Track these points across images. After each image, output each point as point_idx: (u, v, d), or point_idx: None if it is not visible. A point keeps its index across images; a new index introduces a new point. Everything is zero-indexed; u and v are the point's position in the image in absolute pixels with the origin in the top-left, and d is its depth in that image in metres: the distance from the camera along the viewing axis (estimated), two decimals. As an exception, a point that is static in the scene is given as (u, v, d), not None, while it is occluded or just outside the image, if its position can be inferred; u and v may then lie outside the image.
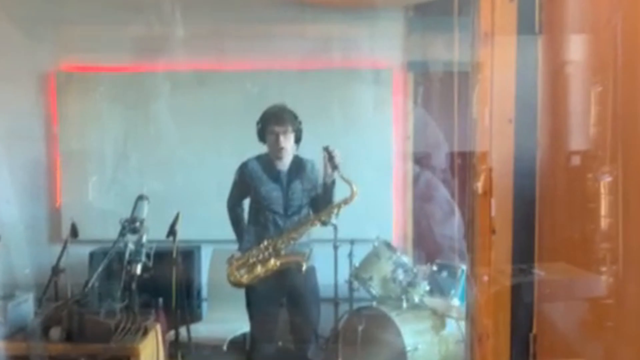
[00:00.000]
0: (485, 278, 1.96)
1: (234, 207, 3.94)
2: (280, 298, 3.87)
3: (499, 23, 1.87)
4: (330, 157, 3.66)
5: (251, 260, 3.74)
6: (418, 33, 4.94)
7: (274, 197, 3.78)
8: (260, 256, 3.72)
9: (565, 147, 1.87)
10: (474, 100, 2.30)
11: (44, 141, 5.16)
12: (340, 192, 3.76)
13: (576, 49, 1.86)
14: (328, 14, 4.75)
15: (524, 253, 1.88)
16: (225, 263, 3.81)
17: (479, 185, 2.08)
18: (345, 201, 3.70)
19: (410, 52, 5.01)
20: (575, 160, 1.78)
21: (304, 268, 3.67)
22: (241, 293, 3.91)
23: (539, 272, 1.91)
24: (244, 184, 3.86)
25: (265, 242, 3.73)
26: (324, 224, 3.81)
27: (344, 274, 4.38)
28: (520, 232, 1.87)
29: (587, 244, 1.70)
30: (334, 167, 3.66)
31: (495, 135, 1.87)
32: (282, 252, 3.72)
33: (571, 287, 1.80)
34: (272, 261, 3.71)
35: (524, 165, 1.87)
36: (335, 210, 3.74)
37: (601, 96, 1.65)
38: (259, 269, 3.72)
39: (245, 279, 3.74)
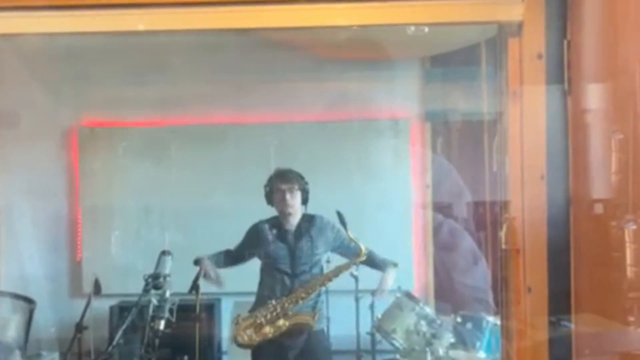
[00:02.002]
0: (521, 335, 1.93)
1: (231, 258, 3.94)
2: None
3: (527, 79, 1.89)
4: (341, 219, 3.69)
5: (258, 321, 3.73)
6: (435, 84, 5.00)
7: (280, 257, 3.82)
8: (268, 316, 3.72)
9: (595, 198, 1.86)
10: (495, 151, 2.31)
11: (66, 196, 5.20)
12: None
13: (600, 100, 1.88)
14: (345, 67, 4.82)
15: (560, 308, 1.86)
16: (231, 323, 3.79)
17: (503, 235, 2.08)
18: (354, 261, 3.76)
19: (428, 102, 5.07)
20: (609, 212, 1.78)
21: (314, 328, 3.66)
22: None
23: (575, 327, 1.88)
24: (250, 245, 3.91)
25: (274, 302, 3.73)
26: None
27: (365, 325, 4.33)
28: (555, 288, 1.85)
29: (624, 296, 1.68)
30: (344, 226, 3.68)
31: (527, 191, 1.87)
32: (290, 313, 3.71)
33: (610, 342, 1.77)
34: (281, 322, 3.71)
35: (557, 220, 1.86)
36: (344, 271, 3.78)
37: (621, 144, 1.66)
38: (267, 329, 3.70)
39: (253, 339, 3.72)
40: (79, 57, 4.71)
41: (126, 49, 4.62)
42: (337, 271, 3.78)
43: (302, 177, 3.84)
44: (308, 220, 3.86)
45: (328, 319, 4.05)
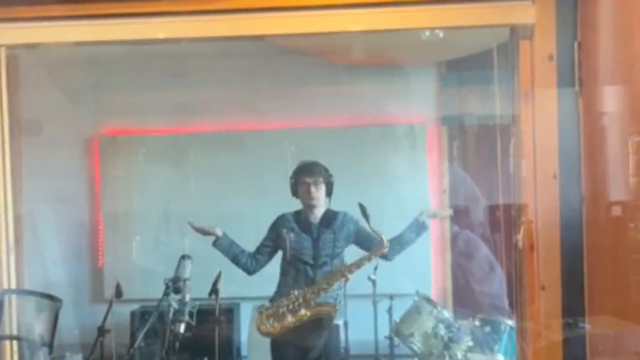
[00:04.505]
0: (535, 334, 1.94)
1: (261, 259, 3.95)
2: (304, 353, 3.87)
3: (539, 81, 1.91)
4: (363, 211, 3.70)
5: (281, 310, 3.77)
6: (450, 88, 5.02)
7: (304, 248, 3.84)
8: (291, 306, 3.76)
9: (610, 200, 1.87)
10: (511, 154, 2.33)
11: (87, 203, 5.29)
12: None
13: (614, 101, 1.89)
14: (361, 72, 4.86)
15: (573, 306, 1.87)
16: (254, 312, 3.83)
17: (519, 239, 2.09)
18: (375, 252, 3.73)
19: (444, 106, 5.08)
20: (625, 213, 1.78)
21: (335, 319, 3.72)
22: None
23: (590, 326, 1.89)
24: (275, 236, 3.93)
25: (296, 292, 3.77)
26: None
27: (383, 329, 4.34)
28: (569, 286, 1.87)
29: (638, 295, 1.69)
30: (366, 218, 3.69)
31: (540, 191, 1.89)
32: (312, 303, 3.75)
33: (625, 342, 1.78)
34: (303, 311, 3.74)
35: (570, 219, 1.88)
36: (366, 262, 3.77)
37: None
38: (290, 319, 3.75)
39: (275, 328, 3.77)
40: (100, 67, 4.81)
41: (146, 59, 4.70)
42: (359, 262, 3.78)
43: (326, 170, 3.88)
44: (332, 214, 3.90)
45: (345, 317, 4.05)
